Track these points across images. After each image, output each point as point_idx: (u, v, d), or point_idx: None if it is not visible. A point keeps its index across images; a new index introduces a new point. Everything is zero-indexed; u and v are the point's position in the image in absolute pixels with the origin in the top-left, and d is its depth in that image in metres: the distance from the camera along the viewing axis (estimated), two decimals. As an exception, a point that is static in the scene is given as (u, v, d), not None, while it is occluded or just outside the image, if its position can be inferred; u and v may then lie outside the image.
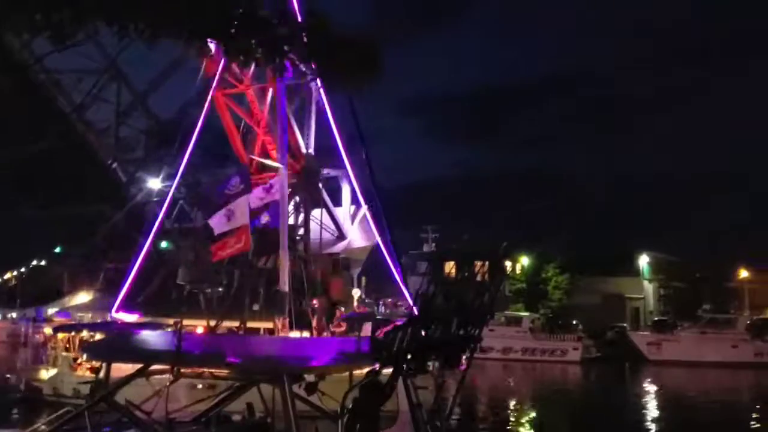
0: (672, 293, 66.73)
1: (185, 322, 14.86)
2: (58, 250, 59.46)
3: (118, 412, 6.36)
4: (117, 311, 26.61)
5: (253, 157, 30.58)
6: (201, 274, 29.52)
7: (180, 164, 29.40)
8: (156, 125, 34.74)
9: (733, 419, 27.94)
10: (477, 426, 24.70)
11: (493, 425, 25.66)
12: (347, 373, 6.12)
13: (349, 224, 33.04)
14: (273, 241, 26.05)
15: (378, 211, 29.63)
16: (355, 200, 33.41)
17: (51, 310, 50.23)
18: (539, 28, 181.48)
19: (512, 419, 27.41)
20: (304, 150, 31.91)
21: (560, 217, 75.21)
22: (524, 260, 65.24)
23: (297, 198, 33.19)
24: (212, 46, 6.51)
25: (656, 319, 62.20)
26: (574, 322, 58.10)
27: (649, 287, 69.92)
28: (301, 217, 32.79)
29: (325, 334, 24.47)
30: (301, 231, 31.37)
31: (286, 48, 6.35)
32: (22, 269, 71.30)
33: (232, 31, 6.06)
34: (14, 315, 61.57)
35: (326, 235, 31.48)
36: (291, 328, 23.80)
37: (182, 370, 5.94)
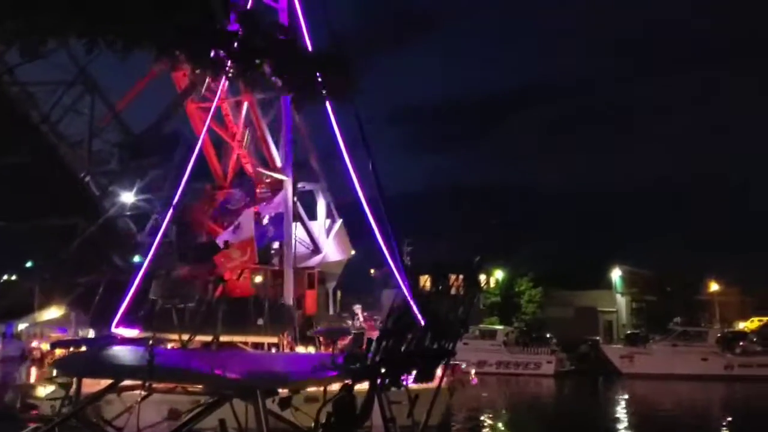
0: (644, 306, 67.41)
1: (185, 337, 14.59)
2: (29, 264, 58.58)
3: (88, 428, 6.28)
4: (117, 326, 26.03)
5: (261, 170, 30.03)
6: (174, 289, 29.23)
7: (182, 177, 28.99)
8: (130, 138, 34.45)
9: (703, 431, 28.24)
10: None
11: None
12: (322, 388, 6.12)
13: (324, 238, 33.00)
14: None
15: (385, 222, 28.59)
16: (330, 214, 33.42)
17: (21, 326, 49.44)
18: (520, 37, 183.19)
19: (486, 433, 27.47)
20: (279, 164, 31.88)
21: (533, 230, 75.84)
22: (498, 274, 65.57)
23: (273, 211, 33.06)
24: (183, 59, 6.48)
25: (629, 332, 62.74)
26: (548, 336, 58.44)
27: (621, 300, 70.60)
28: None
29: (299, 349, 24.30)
30: (276, 245, 31.26)
31: (257, 61, 6.36)
32: (-8, 283, 70.09)
33: (202, 44, 6.06)
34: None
35: (301, 249, 31.39)
36: (296, 343, 23.16)
37: (154, 386, 5.89)
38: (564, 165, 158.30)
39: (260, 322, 24.70)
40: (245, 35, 6.25)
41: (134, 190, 33.83)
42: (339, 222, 33.14)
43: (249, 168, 36.28)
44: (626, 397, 40.70)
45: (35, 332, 43.18)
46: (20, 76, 29.18)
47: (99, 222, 30.45)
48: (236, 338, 23.52)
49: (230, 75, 6.64)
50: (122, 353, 7.43)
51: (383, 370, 5.10)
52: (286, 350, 22.24)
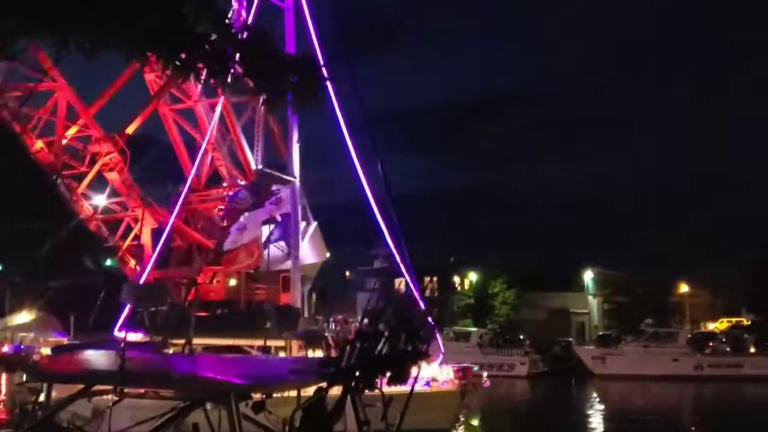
0: (616, 308, 68.09)
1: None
2: (-1, 267, 57.77)
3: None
4: (120, 330, 25.50)
5: (266, 169, 29.51)
6: (146, 293, 28.87)
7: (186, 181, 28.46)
8: (102, 140, 34.10)
9: (674, 430, 28.58)
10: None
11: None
12: (296, 392, 6.10)
13: (300, 241, 32.89)
14: None
15: (395, 225, 27.92)
16: (305, 217, 33.30)
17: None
18: (499, 44, 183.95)
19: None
20: (253, 166, 31.76)
21: (507, 232, 76.26)
22: (472, 276, 65.84)
23: (246, 214, 32.90)
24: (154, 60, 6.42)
25: (601, 333, 63.36)
26: (521, 337, 58.77)
27: (593, 302, 71.26)
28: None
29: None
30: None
31: (228, 64, 6.31)
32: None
33: (172, 45, 6.00)
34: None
35: (276, 252, 31.26)
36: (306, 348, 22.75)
37: (126, 390, 5.83)
38: (540, 169, 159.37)
39: (268, 325, 24.38)
40: (217, 38, 6.20)
41: (105, 193, 33.54)
42: (314, 225, 33.04)
43: (223, 171, 36.12)
44: (598, 398, 41.06)
45: (5, 337, 42.43)
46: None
47: (70, 225, 30.09)
48: (242, 342, 23.20)
49: (201, 78, 6.58)
50: (94, 357, 7.33)
51: (357, 373, 5.09)
52: (301, 353, 21.87)
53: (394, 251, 28.45)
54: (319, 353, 22.36)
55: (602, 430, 29.38)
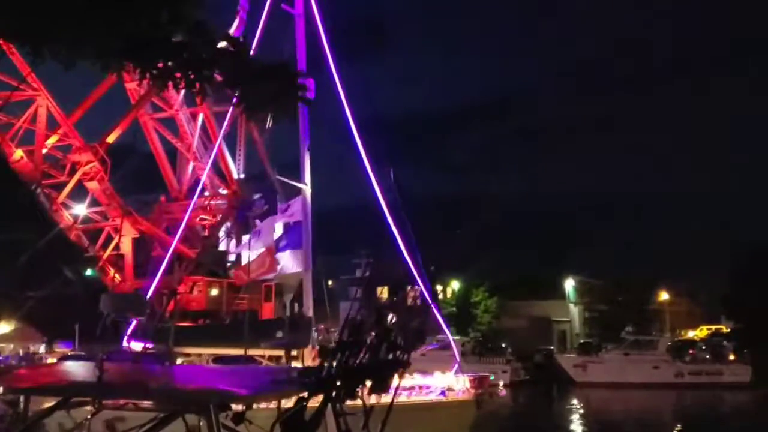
0: (597, 316, 68.39)
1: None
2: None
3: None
4: (129, 341, 25.14)
5: (280, 177, 29.16)
6: (125, 302, 28.61)
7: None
8: (83, 149, 33.82)
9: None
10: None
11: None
12: (276, 402, 6.06)
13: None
14: None
15: (409, 234, 27.48)
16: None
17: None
18: (476, 53, 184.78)
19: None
20: (235, 175, 31.64)
21: (488, 241, 76.35)
22: (454, 284, 65.90)
23: (228, 224, 32.76)
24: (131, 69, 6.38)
25: (582, 341, 63.59)
26: (503, 345, 58.87)
27: (575, 310, 71.56)
28: (233, 243, 32.34)
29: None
30: (232, 257, 30.95)
31: (206, 72, 6.29)
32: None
33: (148, 54, 5.97)
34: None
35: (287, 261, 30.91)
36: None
37: (104, 402, 5.77)
38: (521, 178, 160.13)
39: (279, 334, 24.07)
40: (194, 46, 6.17)
41: (86, 202, 33.25)
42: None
43: (206, 180, 35.87)
44: (580, 405, 41.16)
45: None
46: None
47: (49, 235, 29.78)
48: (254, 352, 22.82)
49: (179, 87, 6.55)
50: (71, 368, 7.26)
51: (338, 383, 5.08)
52: (315, 363, 21.54)
53: (407, 257, 28.11)
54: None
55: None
